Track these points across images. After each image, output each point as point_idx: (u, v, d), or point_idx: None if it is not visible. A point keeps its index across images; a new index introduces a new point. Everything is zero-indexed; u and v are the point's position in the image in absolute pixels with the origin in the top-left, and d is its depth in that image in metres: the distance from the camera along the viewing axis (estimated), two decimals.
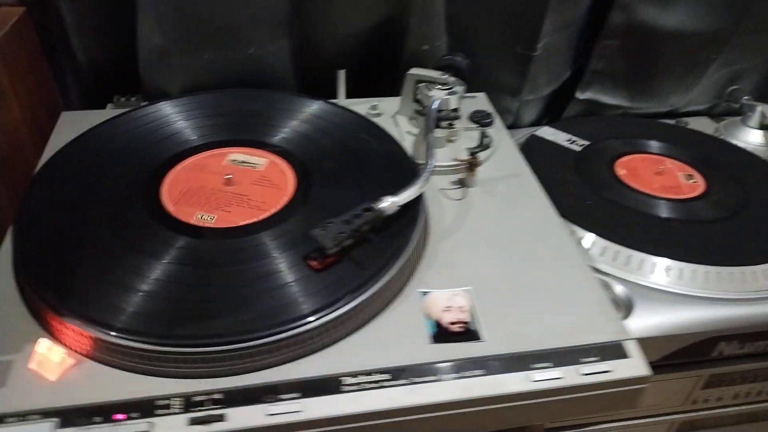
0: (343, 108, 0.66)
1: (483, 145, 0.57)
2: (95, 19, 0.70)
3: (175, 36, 0.68)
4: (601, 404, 0.47)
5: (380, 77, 0.81)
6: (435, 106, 0.62)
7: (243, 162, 0.59)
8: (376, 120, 0.67)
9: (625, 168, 0.77)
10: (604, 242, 0.65)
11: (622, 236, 0.65)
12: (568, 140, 0.83)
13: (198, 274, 0.48)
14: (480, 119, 0.67)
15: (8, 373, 0.42)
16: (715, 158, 0.80)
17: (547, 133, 0.84)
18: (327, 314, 0.44)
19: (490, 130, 0.63)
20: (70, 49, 0.70)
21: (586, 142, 0.82)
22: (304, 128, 0.64)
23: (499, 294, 0.50)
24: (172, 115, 0.64)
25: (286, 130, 0.63)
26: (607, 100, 0.91)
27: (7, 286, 0.48)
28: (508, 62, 0.83)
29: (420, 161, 0.61)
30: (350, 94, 0.73)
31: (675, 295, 0.61)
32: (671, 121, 0.92)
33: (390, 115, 0.71)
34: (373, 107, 0.70)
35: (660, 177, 0.76)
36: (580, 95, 0.89)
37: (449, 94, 0.63)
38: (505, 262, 0.53)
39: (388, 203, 0.50)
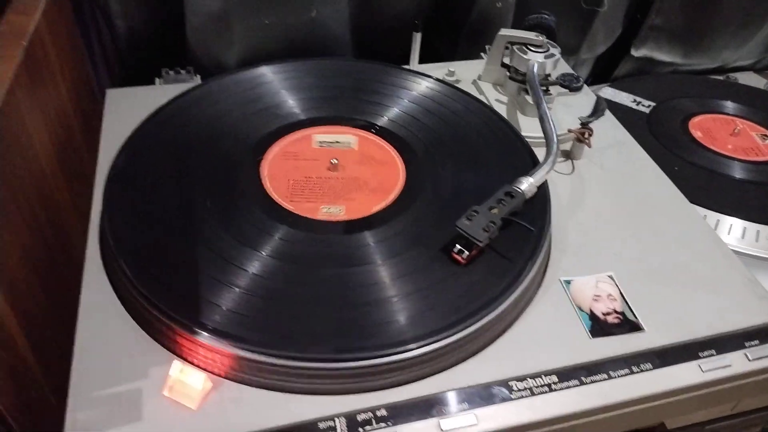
0: (435, 79, 0.60)
1: (599, 112, 0.53)
2: None
3: None
4: (760, 389, 0.45)
5: (441, 41, 0.75)
6: (535, 70, 0.56)
7: (337, 142, 0.53)
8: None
9: (699, 129, 0.74)
10: (702, 210, 0.62)
11: (719, 203, 0.63)
12: (634, 101, 0.79)
13: (346, 275, 0.42)
14: (569, 83, 0.62)
15: (141, 404, 0.37)
16: None
17: (609, 93, 0.80)
18: (488, 313, 0.40)
19: (603, 96, 0.58)
20: (107, 18, 0.61)
21: (652, 103, 0.79)
22: (401, 104, 0.57)
23: (641, 277, 0.47)
24: (256, 88, 0.57)
25: (391, 108, 0.57)
26: (661, 56, 0.87)
27: (103, 295, 0.42)
28: (570, 19, 0.78)
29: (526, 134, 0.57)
30: (407, 60, 0.67)
31: None
32: (721, 77, 0.90)
33: (470, 81, 0.65)
34: (450, 73, 0.65)
35: (736, 138, 0.73)
36: (635, 52, 0.86)
37: (546, 57, 0.58)
38: (636, 242, 0.50)
39: (527, 185, 0.46)
